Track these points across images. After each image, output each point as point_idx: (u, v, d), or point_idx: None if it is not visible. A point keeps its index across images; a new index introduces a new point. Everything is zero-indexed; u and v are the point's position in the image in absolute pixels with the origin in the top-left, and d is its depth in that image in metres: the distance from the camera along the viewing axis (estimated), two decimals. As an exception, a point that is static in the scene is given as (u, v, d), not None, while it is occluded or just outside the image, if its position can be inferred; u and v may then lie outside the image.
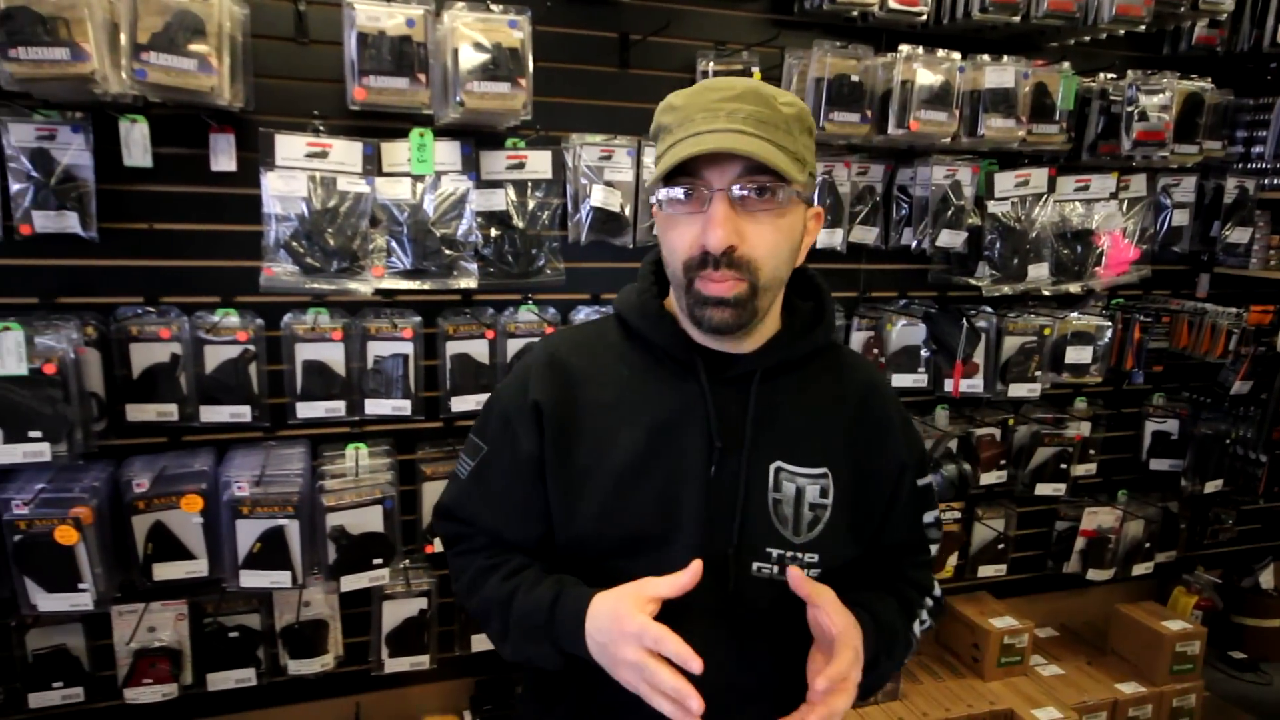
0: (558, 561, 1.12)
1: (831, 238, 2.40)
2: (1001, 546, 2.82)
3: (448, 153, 2.05)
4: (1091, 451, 2.82)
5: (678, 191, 0.99)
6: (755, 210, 0.98)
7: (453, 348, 2.13)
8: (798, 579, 1.02)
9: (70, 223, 1.80)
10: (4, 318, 1.72)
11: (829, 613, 1.00)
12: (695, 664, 0.90)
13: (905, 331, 2.52)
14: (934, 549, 1.27)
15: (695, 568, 0.98)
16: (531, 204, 2.18)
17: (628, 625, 0.95)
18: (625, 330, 1.15)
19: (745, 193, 0.97)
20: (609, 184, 2.20)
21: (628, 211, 2.24)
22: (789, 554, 1.07)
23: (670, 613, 0.96)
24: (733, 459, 1.07)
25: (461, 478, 1.18)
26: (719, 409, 1.07)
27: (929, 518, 1.24)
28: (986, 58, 2.35)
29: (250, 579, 1.91)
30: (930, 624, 1.22)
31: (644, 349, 1.12)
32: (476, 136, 2.09)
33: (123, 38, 1.62)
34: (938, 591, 1.26)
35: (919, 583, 1.23)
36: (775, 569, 1.06)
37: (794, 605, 1.03)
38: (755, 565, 1.07)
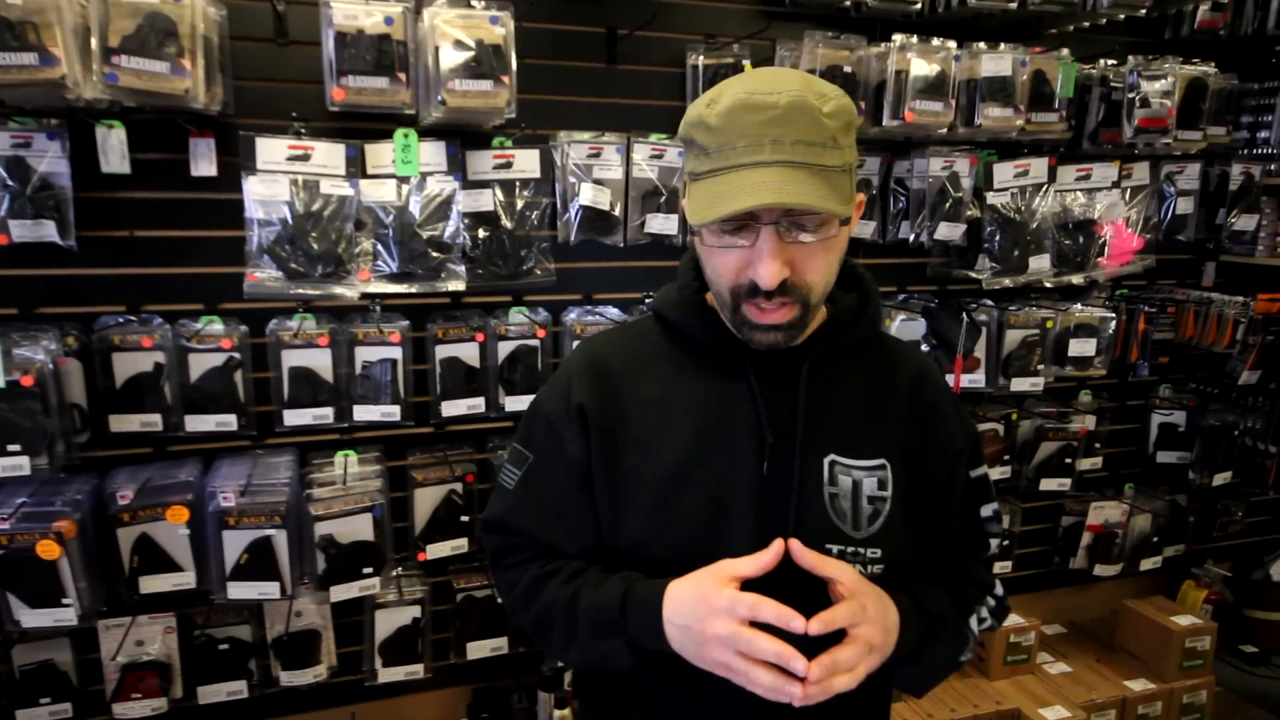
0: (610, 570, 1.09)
1: (827, 232, 2.34)
2: (1006, 543, 2.77)
3: (433, 153, 2.02)
4: (1097, 445, 2.77)
5: (726, 225, 0.94)
6: (805, 237, 0.94)
7: (442, 351, 2.09)
8: (799, 550, 0.96)
9: (48, 231, 1.77)
10: (-18, 329, 1.70)
11: (840, 579, 0.95)
12: (799, 622, 0.88)
13: (904, 326, 2.47)
14: (994, 545, 1.19)
15: (777, 546, 0.95)
16: (520, 204, 2.14)
17: (715, 600, 0.91)
18: (666, 328, 1.12)
19: (795, 225, 0.93)
20: (598, 182, 2.16)
21: (618, 210, 2.20)
22: (850, 549, 1.02)
23: None
24: (785, 454, 1.02)
25: (508, 488, 1.14)
26: (769, 403, 1.04)
27: (987, 511, 1.18)
28: (983, 46, 2.29)
29: (238, 590, 1.88)
30: (992, 624, 1.16)
31: (687, 347, 1.09)
32: (462, 136, 2.05)
33: (94, 41, 1.59)
34: (1000, 590, 1.18)
35: (978, 579, 1.16)
36: None
37: None
38: None
